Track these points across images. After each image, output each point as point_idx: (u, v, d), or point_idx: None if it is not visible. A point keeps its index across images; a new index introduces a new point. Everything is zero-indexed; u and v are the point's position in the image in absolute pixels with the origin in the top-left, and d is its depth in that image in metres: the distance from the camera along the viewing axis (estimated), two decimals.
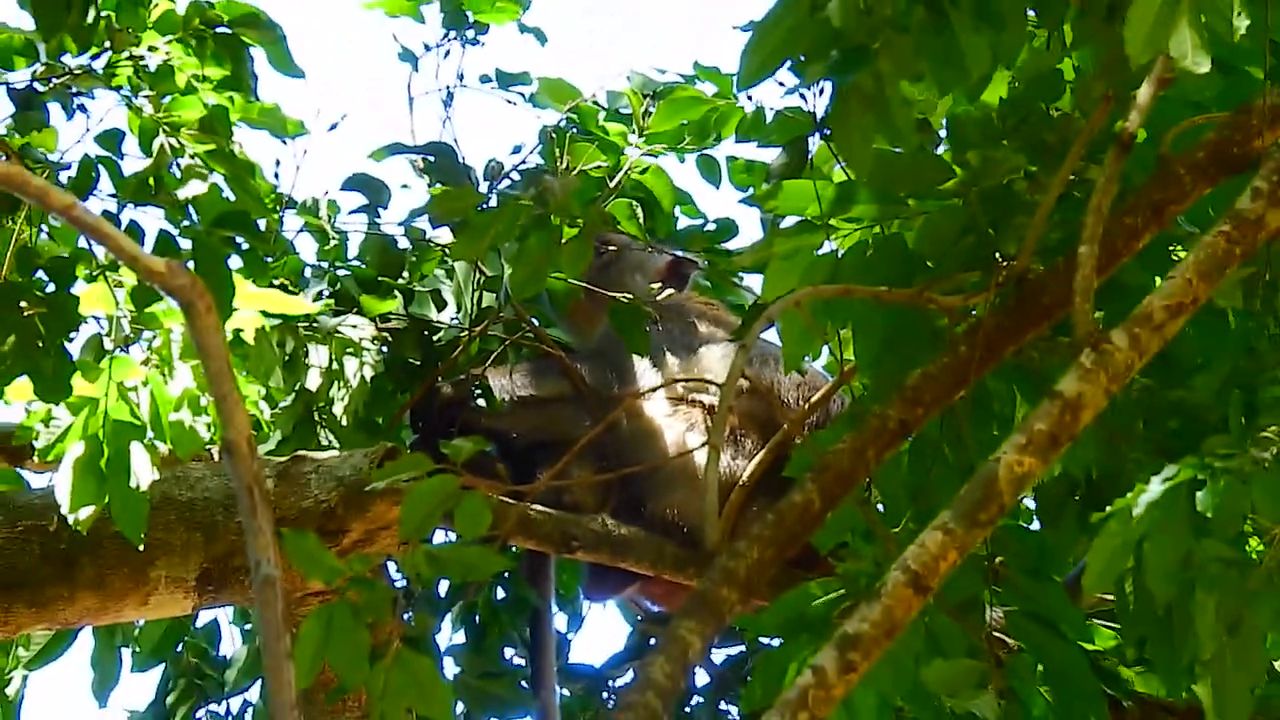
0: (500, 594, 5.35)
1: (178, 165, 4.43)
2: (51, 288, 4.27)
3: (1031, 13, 3.34)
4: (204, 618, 5.24)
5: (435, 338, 5.17)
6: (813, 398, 4.92)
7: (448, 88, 5.44)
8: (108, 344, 4.35)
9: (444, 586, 5.31)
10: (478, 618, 5.31)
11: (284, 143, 4.77)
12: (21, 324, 4.18)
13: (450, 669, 5.29)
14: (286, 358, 4.74)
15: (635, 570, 5.03)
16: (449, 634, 5.33)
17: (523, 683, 5.26)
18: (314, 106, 5.65)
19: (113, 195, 4.42)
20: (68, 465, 4.24)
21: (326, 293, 5.08)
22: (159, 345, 4.38)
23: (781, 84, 3.32)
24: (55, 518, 4.36)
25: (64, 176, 4.39)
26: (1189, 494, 2.94)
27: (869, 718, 3.37)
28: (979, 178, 3.39)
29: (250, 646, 5.21)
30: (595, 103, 5.45)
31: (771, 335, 4.62)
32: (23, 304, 4.20)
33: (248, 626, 5.27)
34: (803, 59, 3.18)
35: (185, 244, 4.33)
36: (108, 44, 4.43)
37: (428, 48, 5.43)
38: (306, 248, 5.29)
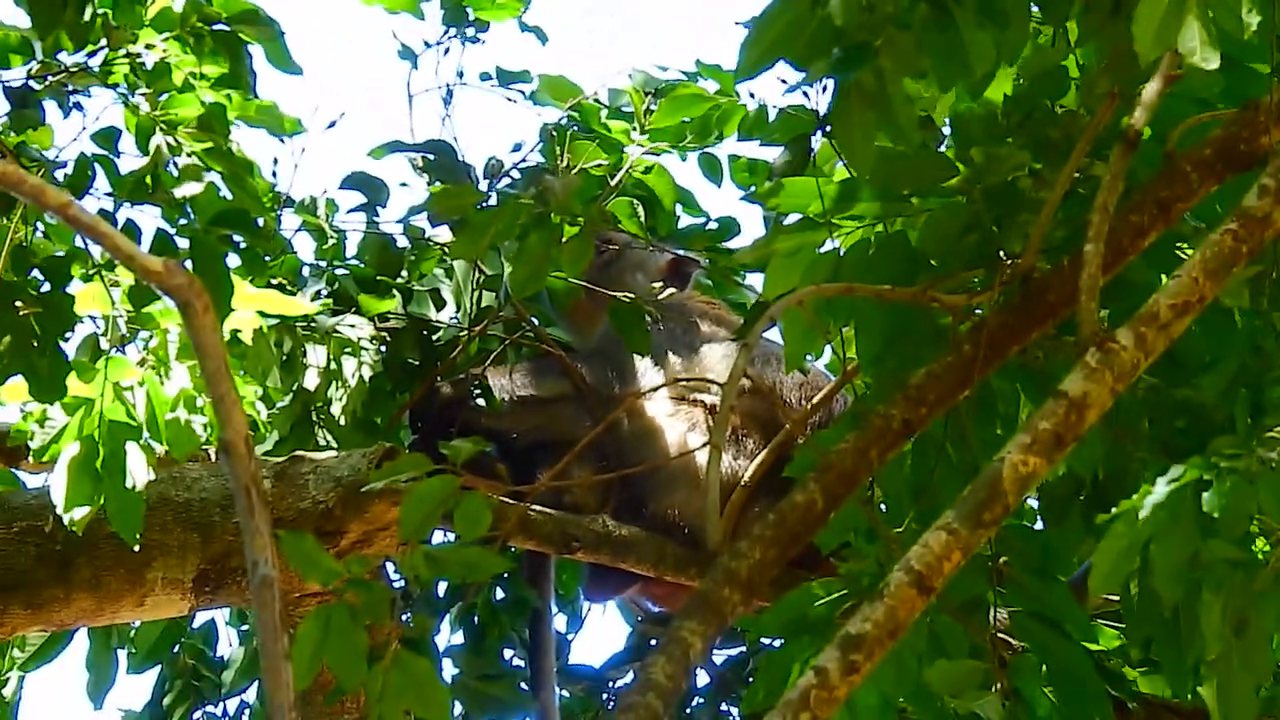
0: (500, 595, 5.34)
1: (175, 164, 4.41)
2: (47, 287, 4.26)
3: (1036, 9, 3.32)
4: (201, 619, 5.23)
5: (434, 337, 5.15)
6: (815, 397, 4.90)
7: (447, 85, 5.43)
8: (104, 344, 4.35)
9: (443, 587, 5.30)
10: (477, 618, 5.30)
11: (282, 141, 4.75)
12: (17, 323, 4.17)
13: (449, 670, 5.28)
14: (284, 357, 4.73)
15: (636, 571, 5.01)
16: (448, 635, 5.32)
17: (522, 684, 5.25)
18: (312, 104, 5.63)
19: (109, 194, 4.41)
20: (63, 465, 4.23)
21: (325, 292, 5.06)
22: (155, 345, 4.37)
23: (783, 81, 3.30)
24: (51, 518, 4.35)
25: (60, 175, 4.37)
26: (1195, 495, 2.93)
27: (872, 719, 3.36)
28: (983, 175, 3.38)
29: (247, 648, 5.20)
30: (596, 100, 5.44)
31: (773, 334, 4.60)
32: (18, 303, 4.19)
33: (245, 627, 5.25)
34: (803, 54, 3.16)
35: (182, 243, 4.31)
36: (104, 41, 4.41)
37: (427, 45, 5.42)
38: (305, 247, 5.28)
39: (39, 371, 4.17)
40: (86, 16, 4.34)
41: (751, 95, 5.19)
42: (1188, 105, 3.35)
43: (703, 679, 5.38)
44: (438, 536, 4.79)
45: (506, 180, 5.25)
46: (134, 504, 4.23)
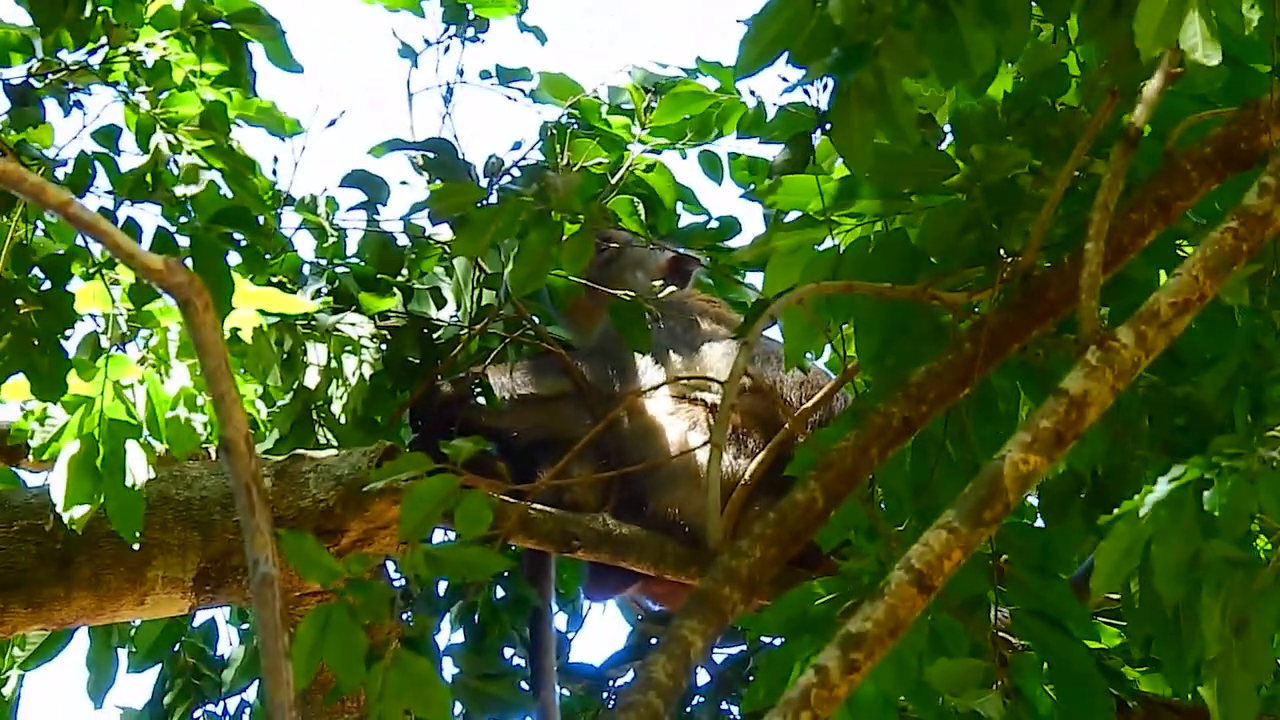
0: (500, 593, 5.33)
1: (175, 162, 4.41)
2: (47, 285, 4.26)
3: (1036, 6, 3.32)
4: (201, 617, 5.22)
5: (435, 335, 5.15)
6: (815, 395, 4.90)
7: (448, 84, 5.43)
8: (104, 342, 4.35)
9: (443, 586, 5.29)
10: (477, 617, 5.29)
11: (282, 139, 4.75)
12: (17, 322, 4.16)
13: (449, 669, 5.28)
14: (284, 356, 4.72)
15: (636, 569, 5.01)
16: (448, 634, 5.32)
17: (522, 683, 5.25)
18: (313, 102, 5.62)
19: (109, 192, 4.41)
20: (63, 464, 4.23)
21: (325, 290, 5.06)
22: (156, 343, 4.37)
23: (784, 79, 3.30)
24: (51, 517, 4.35)
25: (60, 173, 4.37)
26: (1196, 494, 2.92)
27: (872, 717, 3.35)
28: (983, 173, 3.37)
29: (248, 646, 5.20)
30: (596, 98, 5.43)
31: (774, 333, 4.60)
32: (18, 302, 4.19)
33: (245, 626, 5.25)
34: (803, 52, 3.16)
35: (183, 241, 4.31)
36: (104, 39, 4.41)
37: (428, 43, 5.41)
38: (305, 245, 5.27)
39: (39, 370, 4.16)
40: (87, 14, 4.34)
41: (752, 93, 5.19)
42: (1188, 103, 3.35)
43: (703, 678, 5.37)
44: (438, 535, 4.79)
45: (507, 178, 5.24)
46: (134, 502, 4.23)
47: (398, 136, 5.30)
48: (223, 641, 5.27)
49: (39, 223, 4.42)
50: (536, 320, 5.29)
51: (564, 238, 3.73)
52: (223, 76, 4.48)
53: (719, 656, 5.36)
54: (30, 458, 4.35)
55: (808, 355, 3.68)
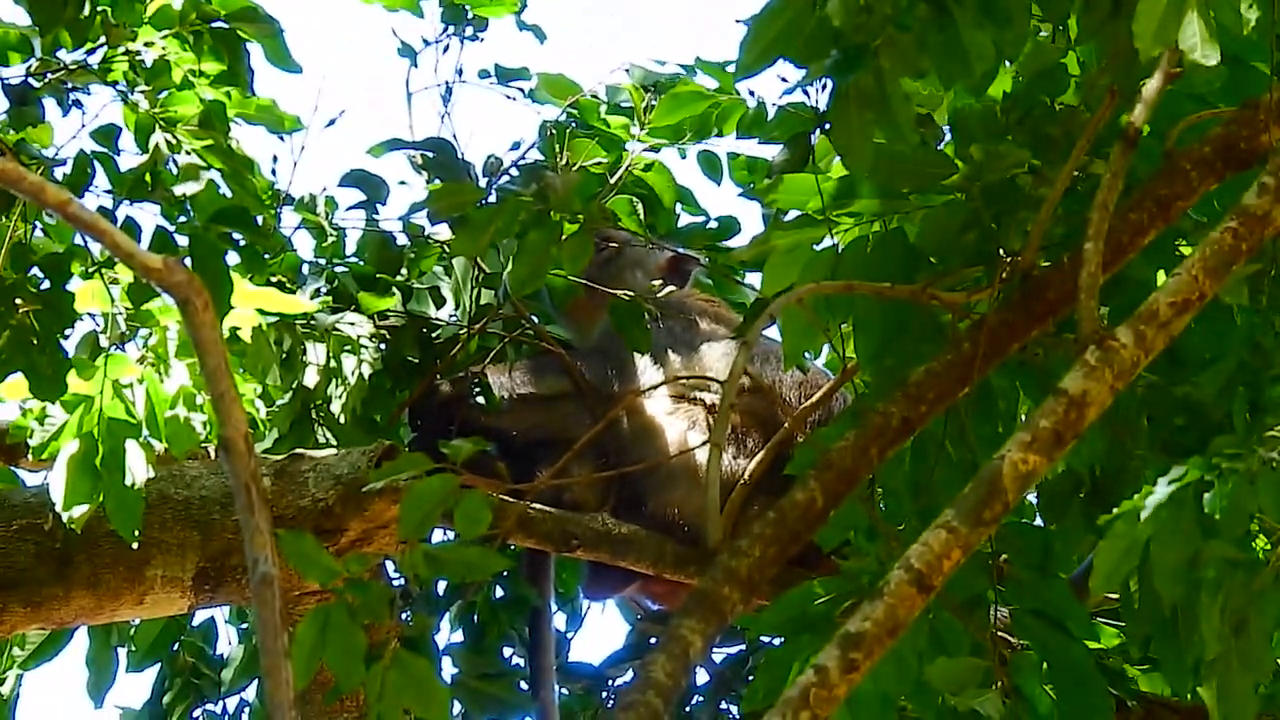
0: (499, 593, 5.33)
1: (174, 161, 4.41)
2: (47, 285, 4.26)
3: (1036, 6, 3.32)
4: (200, 617, 5.22)
5: (434, 335, 5.15)
6: (814, 395, 4.90)
7: (446, 83, 5.42)
8: (103, 341, 4.34)
9: (442, 586, 5.29)
10: (476, 617, 5.29)
11: (281, 139, 4.75)
12: (16, 321, 4.16)
13: (449, 669, 5.28)
14: (284, 355, 4.72)
15: (635, 569, 5.01)
16: (447, 633, 5.32)
17: (522, 682, 5.24)
18: (312, 102, 5.62)
19: (109, 191, 4.40)
20: (62, 463, 4.23)
21: (324, 290, 5.06)
22: (155, 343, 4.37)
23: (783, 79, 3.30)
24: (50, 516, 4.35)
25: (59, 172, 4.37)
26: (1196, 495, 2.92)
27: (872, 717, 3.35)
28: (982, 172, 3.37)
29: (247, 646, 5.19)
30: (595, 97, 5.43)
31: (773, 332, 4.60)
32: (18, 301, 4.19)
33: (244, 626, 5.25)
34: (802, 53, 3.16)
35: (182, 240, 4.31)
36: (103, 39, 4.41)
37: (426, 43, 5.41)
38: (304, 244, 5.27)
39: (38, 369, 4.16)
40: (86, 14, 4.34)
41: (751, 93, 5.19)
42: (1187, 103, 3.35)
43: (702, 677, 5.37)
44: (437, 535, 4.79)
45: (506, 178, 5.24)
46: (133, 502, 4.23)
47: (397, 136, 5.30)
48: (222, 641, 5.28)
49: (38, 222, 4.42)
50: (536, 320, 5.28)
51: (563, 237, 3.73)
52: (221, 76, 4.48)
53: (718, 656, 5.35)
54: (29, 457, 4.35)
55: (806, 355, 3.67)
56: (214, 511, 4.51)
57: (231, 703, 5.24)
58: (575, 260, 3.71)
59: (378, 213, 5.23)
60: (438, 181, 5.19)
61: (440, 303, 5.20)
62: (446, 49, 5.41)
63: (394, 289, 5.14)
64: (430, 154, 5.26)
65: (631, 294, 5.01)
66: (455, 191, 4.07)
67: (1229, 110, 3.25)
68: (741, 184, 5.45)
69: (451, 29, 5.38)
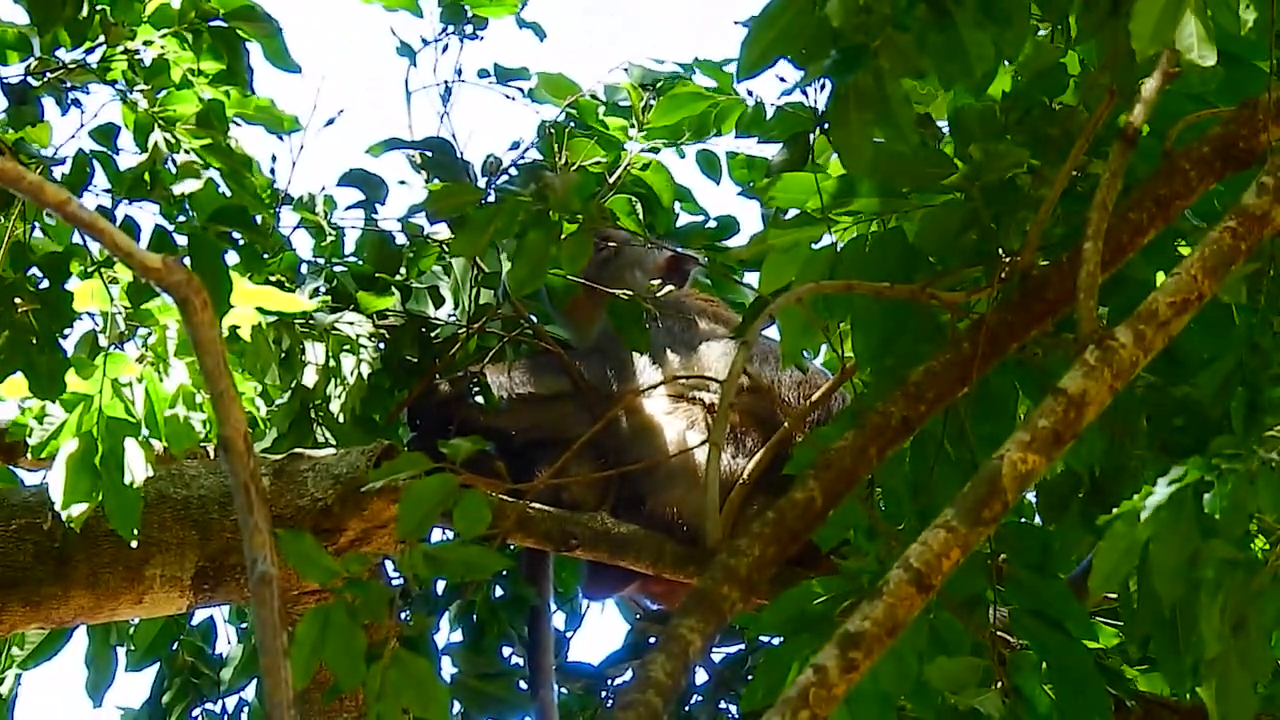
0: (499, 593, 5.33)
1: (173, 160, 4.41)
2: (46, 284, 4.26)
3: (1035, 6, 3.32)
4: (200, 616, 5.22)
5: (433, 335, 5.15)
6: (813, 395, 4.90)
7: (446, 83, 5.42)
8: (102, 340, 4.34)
9: (441, 585, 5.29)
10: (476, 617, 5.29)
11: (280, 137, 4.75)
12: (16, 320, 4.16)
13: (448, 668, 5.27)
14: (283, 354, 4.72)
15: (635, 568, 5.01)
16: (447, 633, 5.32)
17: (521, 682, 5.24)
18: (311, 101, 5.62)
19: (108, 190, 4.41)
20: (61, 462, 4.23)
21: (323, 289, 5.06)
22: (154, 342, 4.36)
23: (782, 79, 3.29)
24: (49, 515, 4.35)
25: (58, 172, 4.37)
26: (1196, 496, 2.92)
27: (871, 716, 3.35)
28: (981, 172, 3.37)
29: (246, 645, 5.19)
30: (594, 97, 5.43)
31: (772, 332, 4.60)
32: (17, 300, 4.19)
33: (244, 625, 5.24)
34: (803, 52, 3.16)
35: (181, 240, 4.31)
36: (102, 38, 4.41)
37: (426, 42, 5.41)
38: (303, 244, 5.27)
39: (38, 368, 4.16)
40: (85, 13, 4.34)
41: (750, 93, 5.19)
42: (1186, 103, 3.34)
43: (701, 677, 5.37)
44: (436, 534, 4.79)
45: (505, 177, 5.24)
46: (132, 501, 4.23)
47: (396, 135, 5.30)
48: (221, 640, 5.28)
49: (37, 221, 4.42)
50: (535, 319, 5.28)
51: (562, 237, 3.72)
52: (220, 75, 4.49)
53: (717, 655, 5.35)
54: (28, 456, 4.35)
55: (805, 354, 3.67)
56: (213, 511, 4.51)
57: (231, 702, 5.25)
58: (574, 260, 3.71)
59: (377, 212, 5.24)
60: (437, 181, 5.19)
61: (439, 302, 5.20)
62: (446, 48, 5.41)
63: (393, 288, 5.14)
64: (429, 153, 5.26)
65: (630, 293, 5.01)
66: (454, 191, 4.08)
67: (1228, 110, 3.24)
68: (740, 183, 5.45)
69: (451, 28, 5.37)
